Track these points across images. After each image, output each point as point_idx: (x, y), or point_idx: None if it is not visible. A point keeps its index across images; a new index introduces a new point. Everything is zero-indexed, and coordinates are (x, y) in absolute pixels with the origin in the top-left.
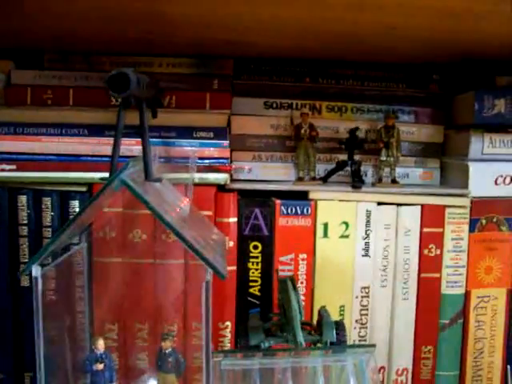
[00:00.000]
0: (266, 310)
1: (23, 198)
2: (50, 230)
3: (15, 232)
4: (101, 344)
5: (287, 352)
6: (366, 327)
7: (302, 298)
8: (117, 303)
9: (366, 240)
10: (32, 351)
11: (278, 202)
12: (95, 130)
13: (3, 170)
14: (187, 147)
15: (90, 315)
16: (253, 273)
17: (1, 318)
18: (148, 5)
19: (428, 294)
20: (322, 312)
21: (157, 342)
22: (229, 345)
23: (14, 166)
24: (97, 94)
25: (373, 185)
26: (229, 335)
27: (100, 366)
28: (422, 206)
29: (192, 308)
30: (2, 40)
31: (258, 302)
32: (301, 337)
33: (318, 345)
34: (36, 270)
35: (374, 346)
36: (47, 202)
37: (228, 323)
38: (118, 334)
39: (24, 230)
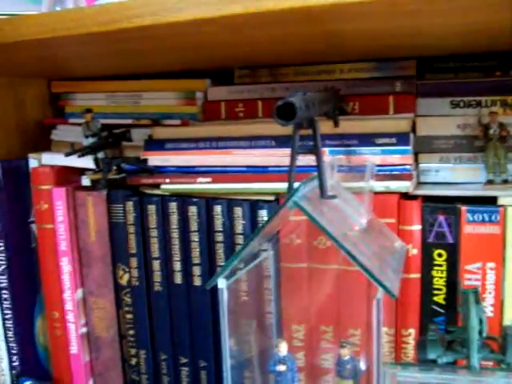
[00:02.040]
0: (451, 320)
1: (218, 208)
2: (241, 237)
3: (212, 238)
4: (283, 347)
5: (466, 370)
6: None
7: (490, 309)
8: (303, 306)
9: None
10: None
11: (463, 208)
12: (282, 142)
13: (200, 183)
14: (369, 155)
15: (277, 316)
16: (437, 281)
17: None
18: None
19: None
20: (508, 330)
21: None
22: (412, 352)
23: (209, 179)
24: None
25: None
26: (412, 342)
27: (282, 368)
28: None
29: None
30: (199, 64)
31: (442, 311)
32: (475, 360)
33: (502, 366)
34: (222, 283)
35: None
36: (239, 211)
37: (411, 330)
38: (305, 335)
39: (219, 237)
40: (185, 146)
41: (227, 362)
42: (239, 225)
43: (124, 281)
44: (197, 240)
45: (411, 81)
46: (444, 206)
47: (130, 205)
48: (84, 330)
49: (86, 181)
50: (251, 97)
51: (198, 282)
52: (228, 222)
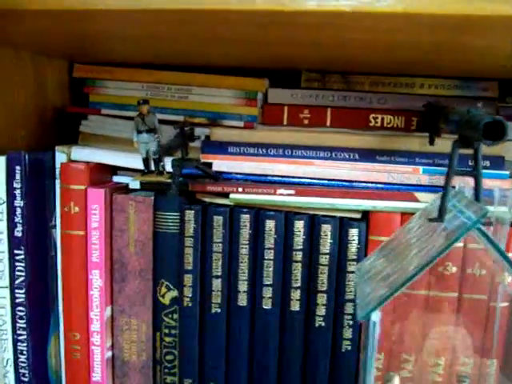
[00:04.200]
0: None
1: (300, 224)
2: (326, 257)
3: (289, 257)
4: (396, 381)
5: None
6: None
7: None
8: (415, 335)
9: None
10: None
11: None
12: (365, 155)
13: (281, 195)
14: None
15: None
16: None
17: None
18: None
19: None
20: None
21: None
22: None
23: (292, 191)
24: (355, 114)
25: None
26: None
27: None
28: None
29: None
30: (258, 61)
31: None
32: None
33: None
34: (375, 315)
35: None
36: (326, 228)
37: None
38: (413, 366)
39: (298, 256)
40: (252, 152)
41: None
42: (326, 244)
43: (166, 300)
44: (271, 258)
45: (493, 103)
46: None
47: (190, 214)
48: (109, 353)
49: (134, 183)
50: (319, 103)
51: (268, 304)
52: (308, 240)
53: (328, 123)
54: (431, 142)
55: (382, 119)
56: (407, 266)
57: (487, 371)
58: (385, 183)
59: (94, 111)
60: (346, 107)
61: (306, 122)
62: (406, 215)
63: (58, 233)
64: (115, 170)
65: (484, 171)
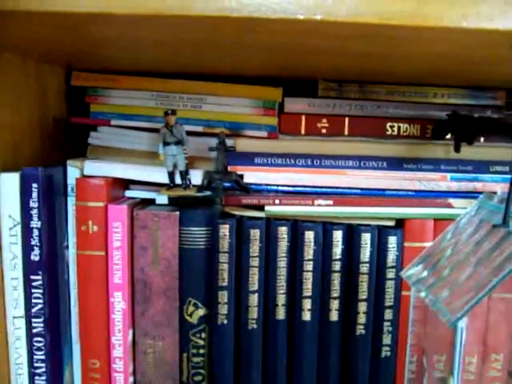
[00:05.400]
0: None
1: (338, 234)
2: (367, 265)
3: (328, 267)
4: None
5: None
6: None
7: None
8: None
9: None
10: None
11: None
12: (393, 163)
13: (319, 205)
14: (489, 182)
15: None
16: None
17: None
18: None
19: None
20: None
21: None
22: None
23: (330, 202)
24: (372, 123)
25: None
26: None
27: None
28: None
29: None
30: (273, 70)
31: None
32: None
33: None
34: (462, 321)
35: None
36: (366, 237)
37: None
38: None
39: (337, 265)
40: (280, 162)
41: None
42: (365, 252)
43: (194, 318)
44: (311, 269)
45: (501, 111)
46: None
47: (225, 229)
48: (131, 379)
49: (161, 198)
50: (337, 112)
51: (307, 316)
52: (347, 249)
53: (346, 132)
54: (457, 150)
55: (399, 127)
56: (482, 273)
57: None
58: (417, 191)
59: (102, 122)
60: (364, 116)
61: (324, 131)
62: (439, 221)
63: (71, 254)
64: (127, 184)
65: (504, 176)
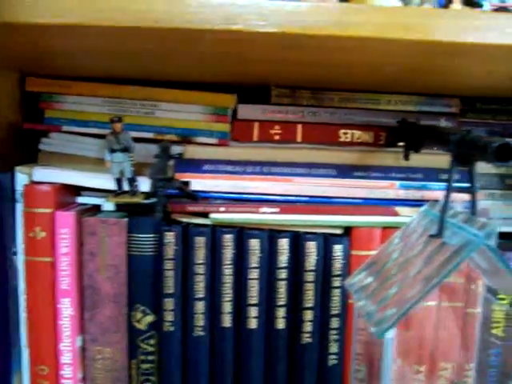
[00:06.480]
0: None
1: (284, 242)
2: (312, 273)
3: (274, 275)
4: None
5: None
6: None
7: None
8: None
9: None
10: None
11: None
12: (343, 171)
13: (264, 213)
14: (436, 190)
15: None
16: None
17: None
18: None
19: None
20: None
21: None
22: None
23: (277, 209)
24: (325, 130)
25: None
26: None
27: None
28: None
29: None
30: (226, 77)
31: None
32: None
33: None
34: (390, 332)
35: None
36: (311, 245)
37: None
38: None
39: (283, 273)
40: (229, 170)
41: None
42: (312, 260)
43: (143, 325)
44: (256, 277)
45: (455, 118)
46: None
47: (170, 236)
48: None
49: (108, 205)
50: (290, 119)
51: (253, 324)
52: (293, 257)
53: (299, 139)
54: (406, 157)
55: (352, 134)
56: (414, 284)
57: None
58: (364, 198)
59: (55, 128)
60: (317, 123)
61: (276, 137)
62: (386, 230)
63: (19, 260)
64: (78, 190)
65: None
